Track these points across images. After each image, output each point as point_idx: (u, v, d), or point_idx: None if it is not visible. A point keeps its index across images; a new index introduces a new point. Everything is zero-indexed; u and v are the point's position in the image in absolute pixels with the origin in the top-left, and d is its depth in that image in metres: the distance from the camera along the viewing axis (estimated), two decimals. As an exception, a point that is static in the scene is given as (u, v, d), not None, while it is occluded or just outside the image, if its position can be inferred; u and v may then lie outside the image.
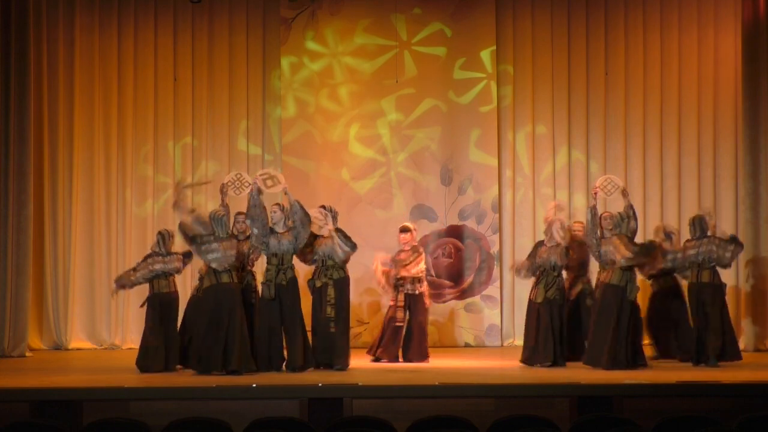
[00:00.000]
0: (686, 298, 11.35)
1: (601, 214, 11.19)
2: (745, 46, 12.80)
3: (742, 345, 12.58)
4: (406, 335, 11.54)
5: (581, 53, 13.75)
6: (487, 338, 13.49)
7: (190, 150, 13.73)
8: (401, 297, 11.54)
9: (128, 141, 13.63)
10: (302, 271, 11.31)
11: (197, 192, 13.67)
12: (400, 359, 11.49)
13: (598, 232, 11.11)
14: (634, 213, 11.05)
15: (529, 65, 13.73)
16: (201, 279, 10.61)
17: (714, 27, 13.70)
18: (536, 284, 11.08)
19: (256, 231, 10.46)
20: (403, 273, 11.50)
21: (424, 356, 11.48)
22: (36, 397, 8.57)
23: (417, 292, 11.55)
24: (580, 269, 11.57)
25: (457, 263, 13.53)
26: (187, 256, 10.84)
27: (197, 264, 11.05)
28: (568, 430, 6.78)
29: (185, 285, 12.52)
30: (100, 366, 10.59)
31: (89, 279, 13.46)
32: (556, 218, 11.15)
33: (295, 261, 10.74)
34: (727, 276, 13.40)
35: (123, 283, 10.94)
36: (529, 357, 10.92)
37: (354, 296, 13.41)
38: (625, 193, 11.35)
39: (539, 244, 11.23)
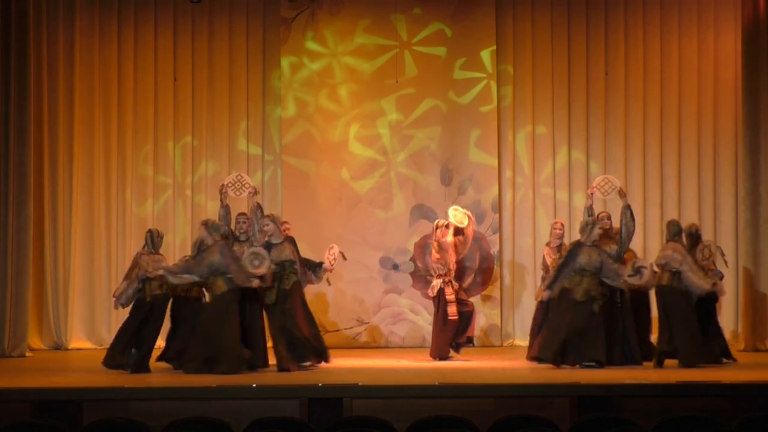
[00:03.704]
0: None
1: (598, 214, 11.19)
2: (745, 47, 12.80)
3: (741, 345, 12.61)
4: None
5: (581, 53, 13.74)
6: (486, 338, 13.49)
7: (190, 150, 13.72)
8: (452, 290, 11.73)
9: (128, 141, 13.63)
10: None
11: (196, 192, 13.69)
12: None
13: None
14: (631, 214, 11.05)
15: (529, 65, 13.73)
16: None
17: (714, 28, 13.69)
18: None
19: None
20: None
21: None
22: (36, 397, 8.56)
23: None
24: None
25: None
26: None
27: None
28: (568, 430, 6.78)
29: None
30: (100, 366, 10.56)
31: (89, 279, 13.45)
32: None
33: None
34: (727, 276, 13.44)
35: None
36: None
37: (354, 296, 13.45)
38: (622, 193, 11.35)
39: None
